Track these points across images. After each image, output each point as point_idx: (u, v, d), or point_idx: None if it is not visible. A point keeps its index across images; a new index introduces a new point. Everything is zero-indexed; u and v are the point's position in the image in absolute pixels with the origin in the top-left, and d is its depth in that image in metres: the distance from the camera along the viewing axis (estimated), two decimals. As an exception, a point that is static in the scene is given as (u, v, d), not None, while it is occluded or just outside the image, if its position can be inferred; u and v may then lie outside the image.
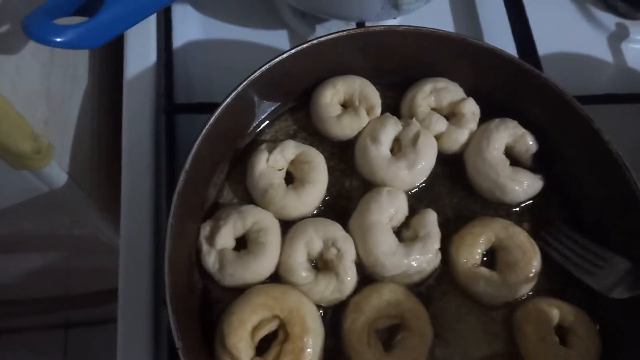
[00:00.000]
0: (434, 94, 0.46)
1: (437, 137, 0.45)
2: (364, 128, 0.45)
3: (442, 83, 0.46)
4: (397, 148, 0.44)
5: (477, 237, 0.41)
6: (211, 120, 0.38)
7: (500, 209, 0.44)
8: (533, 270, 0.40)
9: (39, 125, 0.36)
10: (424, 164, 0.43)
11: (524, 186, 0.43)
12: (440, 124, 0.45)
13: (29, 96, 0.35)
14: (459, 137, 0.45)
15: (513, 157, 0.45)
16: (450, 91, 0.46)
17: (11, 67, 0.33)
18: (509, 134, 0.45)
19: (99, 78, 0.50)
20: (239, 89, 0.39)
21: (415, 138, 0.43)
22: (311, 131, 0.46)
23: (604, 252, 0.40)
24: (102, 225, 0.53)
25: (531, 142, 0.45)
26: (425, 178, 0.44)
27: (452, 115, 0.46)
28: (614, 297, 0.38)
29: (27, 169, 0.37)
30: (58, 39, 0.27)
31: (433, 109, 0.46)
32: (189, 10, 0.55)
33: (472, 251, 0.41)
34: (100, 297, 0.96)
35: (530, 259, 0.40)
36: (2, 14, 0.32)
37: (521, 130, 0.45)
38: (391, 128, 0.44)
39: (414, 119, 0.44)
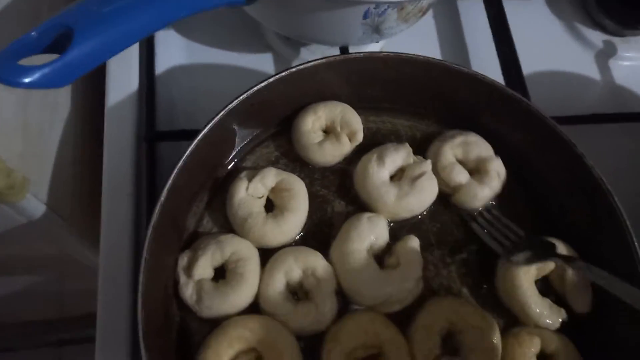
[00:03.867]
0: (463, 146, 0.45)
1: (456, 189, 0.44)
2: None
3: (474, 137, 0.46)
4: (397, 177, 0.44)
5: (430, 330, 0.39)
6: (187, 152, 0.38)
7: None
8: (495, 342, 0.39)
9: (13, 160, 0.36)
10: (413, 202, 0.42)
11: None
12: (461, 176, 0.44)
13: (4, 131, 0.35)
14: (478, 193, 0.44)
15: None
16: (480, 146, 0.45)
17: (-17, 104, 0.33)
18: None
19: (81, 105, 0.50)
20: (216, 119, 0.39)
21: (418, 176, 0.42)
22: (293, 157, 0.46)
23: (519, 230, 0.43)
24: (84, 250, 0.53)
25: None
26: (408, 216, 0.44)
27: (476, 171, 0.45)
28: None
29: (2, 203, 0.37)
30: (26, 80, 0.27)
31: (459, 161, 0.45)
32: (171, 35, 0.55)
33: (429, 346, 0.38)
34: (93, 319, 0.96)
35: (489, 339, 0.38)
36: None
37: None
38: (400, 156, 0.43)
39: (429, 160, 0.44)
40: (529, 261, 0.41)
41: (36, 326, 1.00)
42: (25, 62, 0.28)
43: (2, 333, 0.97)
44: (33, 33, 0.29)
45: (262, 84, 0.41)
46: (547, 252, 0.41)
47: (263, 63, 0.56)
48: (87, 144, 0.51)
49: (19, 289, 0.73)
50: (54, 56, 0.29)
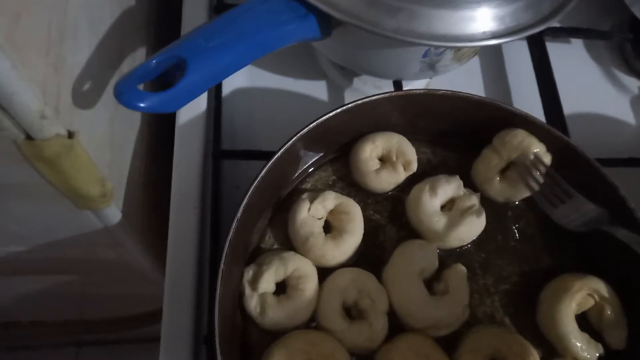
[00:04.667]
0: None
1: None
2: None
3: None
4: (448, 208, 0.46)
5: (475, 355, 0.41)
6: (262, 172, 0.41)
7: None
8: None
9: (105, 170, 0.39)
10: (462, 232, 0.45)
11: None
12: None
13: (100, 144, 0.38)
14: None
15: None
16: None
17: (89, 120, 0.36)
18: None
19: (148, 121, 0.53)
20: (288, 144, 0.42)
21: (468, 209, 0.45)
22: (348, 182, 0.49)
23: (572, 190, 0.44)
24: (142, 257, 0.56)
25: None
26: (457, 245, 0.46)
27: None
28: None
29: (90, 209, 0.40)
30: (142, 105, 0.30)
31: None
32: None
33: None
34: (115, 324, 0.98)
35: None
36: (85, 73, 0.35)
37: None
38: (452, 188, 0.46)
39: (479, 194, 0.47)
40: (582, 226, 0.43)
41: (57, 326, 1.02)
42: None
43: (22, 331, 1.00)
44: (153, 61, 0.32)
45: (331, 114, 0.44)
46: (602, 219, 0.43)
47: (316, 89, 0.60)
48: (153, 157, 0.54)
49: (44, 289, 0.76)
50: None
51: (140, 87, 0.32)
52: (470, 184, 0.49)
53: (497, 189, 0.48)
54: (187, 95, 0.32)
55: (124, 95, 0.30)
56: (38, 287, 0.75)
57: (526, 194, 0.48)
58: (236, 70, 0.35)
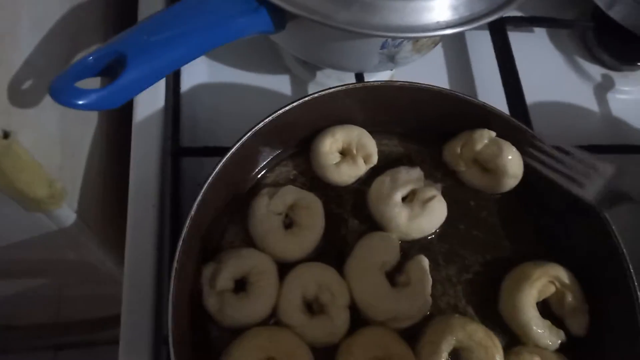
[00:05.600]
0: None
1: None
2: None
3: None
4: (410, 199, 0.46)
5: (437, 346, 0.41)
6: (216, 169, 0.40)
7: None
8: None
9: (54, 171, 0.38)
10: (424, 223, 0.45)
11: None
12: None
13: (47, 144, 0.37)
14: None
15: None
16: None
17: (32, 119, 0.35)
18: None
19: (107, 119, 0.52)
20: (243, 139, 0.42)
21: (429, 199, 0.45)
22: (310, 176, 0.48)
23: (590, 158, 0.42)
24: (104, 257, 0.55)
25: None
26: (419, 237, 0.46)
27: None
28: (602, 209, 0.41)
29: (40, 212, 0.39)
30: (81, 102, 0.30)
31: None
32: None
33: None
34: (91, 325, 0.97)
35: (493, 356, 0.41)
36: (26, 71, 0.34)
37: None
38: (413, 180, 0.46)
39: (439, 184, 0.47)
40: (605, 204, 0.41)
41: (33, 329, 1.00)
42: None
43: (2, 334, 0.98)
44: (90, 57, 0.31)
45: (287, 108, 0.43)
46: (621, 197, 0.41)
47: (280, 84, 0.59)
48: (112, 156, 0.53)
49: (18, 292, 0.75)
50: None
51: (94, 84, 0.31)
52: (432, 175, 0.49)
53: (478, 177, 0.49)
54: (129, 91, 0.32)
55: (59, 93, 0.29)
56: (9, 291, 0.74)
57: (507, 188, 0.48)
58: (183, 64, 0.35)
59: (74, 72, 0.31)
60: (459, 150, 0.48)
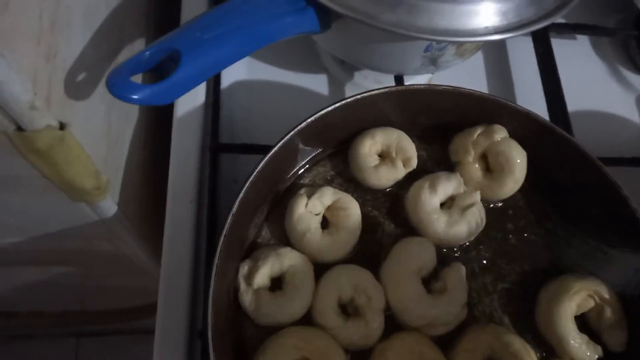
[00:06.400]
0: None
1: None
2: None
3: None
4: (448, 205, 0.46)
5: (472, 355, 0.40)
6: (259, 167, 0.40)
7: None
8: None
9: (100, 163, 0.38)
10: (462, 231, 0.44)
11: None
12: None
13: (95, 137, 0.38)
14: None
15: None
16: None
17: (83, 112, 0.35)
18: None
19: (146, 114, 0.53)
20: (286, 138, 0.42)
21: (468, 207, 0.44)
22: (347, 178, 0.48)
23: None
24: (138, 250, 0.55)
25: None
26: (456, 244, 0.46)
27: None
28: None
29: (85, 202, 0.40)
30: (135, 97, 0.30)
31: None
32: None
33: None
34: (115, 315, 0.98)
35: None
36: (79, 64, 0.35)
37: None
38: (452, 186, 0.45)
39: (478, 193, 0.46)
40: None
41: (58, 317, 1.02)
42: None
43: (22, 321, 1.00)
44: (147, 53, 0.31)
45: (329, 108, 0.43)
46: None
47: (317, 83, 0.59)
48: (151, 150, 0.54)
49: (48, 280, 0.76)
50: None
51: (137, 79, 0.31)
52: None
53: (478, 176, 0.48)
54: (181, 88, 0.32)
55: (116, 87, 0.30)
56: (37, 278, 0.75)
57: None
58: (232, 63, 0.35)
59: (130, 67, 0.31)
60: (475, 136, 0.47)
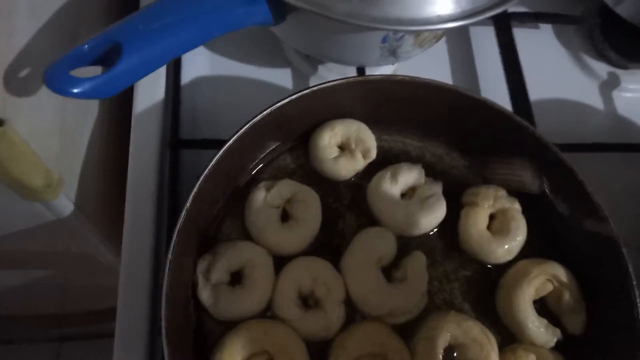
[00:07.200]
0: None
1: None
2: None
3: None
4: (409, 196, 0.46)
5: (432, 342, 0.40)
6: (212, 162, 0.40)
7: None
8: (493, 357, 0.40)
9: (51, 160, 0.38)
10: (422, 221, 0.44)
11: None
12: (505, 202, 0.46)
13: (44, 133, 0.37)
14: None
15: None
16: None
17: (28, 108, 0.35)
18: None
19: (107, 110, 0.52)
20: (240, 132, 0.42)
21: (429, 197, 0.45)
22: (308, 170, 0.48)
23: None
24: (102, 248, 0.55)
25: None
26: (417, 233, 0.46)
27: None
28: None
29: (37, 201, 0.39)
30: (76, 90, 0.30)
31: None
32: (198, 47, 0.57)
33: (431, 358, 0.40)
34: (95, 316, 0.97)
35: (488, 353, 0.40)
36: (23, 58, 0.34)
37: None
38: (413, 176, 0.46)
39: (440, 182, 0.46)
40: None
41: (37, 320, 1.01)
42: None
43: (3, 325, 0.99)
44: (85, 46, 0.31)
45: (286, 100, 0.43)
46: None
47: (281, 77, 0.59)
48: (112, 147, 0.53)
49: (22, 283, 0.75)
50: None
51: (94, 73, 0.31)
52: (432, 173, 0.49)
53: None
54: (125, 79, 0.32)
55: (54, 81, 0.29)
56: (11, 281, 0.74)
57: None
58: (182, 53, 0.35)
59: (69, 60, 0.31)
60: (500, 193, 0.47)
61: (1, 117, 0.30)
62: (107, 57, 0.33)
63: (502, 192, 0.47)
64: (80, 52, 0.31)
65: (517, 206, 0.46)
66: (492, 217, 0.47)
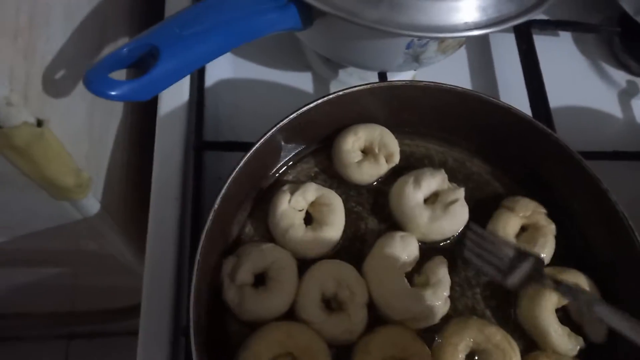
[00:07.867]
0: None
1: None
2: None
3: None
4: (431, 201, 0.46)
5: (455, 347, 0.41)
6: (240, 164, 0.40)
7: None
8: None
9: (81, 161, 0.38)
10: (445, 226, 0.45)
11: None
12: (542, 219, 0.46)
13: (76, 134, 0.38)
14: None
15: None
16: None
17: (63, 109, 0.35)
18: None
19: (131, 112, 0.53)
20: (268, 135, 0.42)
21: (451, 202, 0.45)
22: (331, 174, 0.48)
23: (517, 249, 0.43)
24: (123, 248, 0.55)
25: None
26: (439, 239, 0.46)
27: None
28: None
29: (67, 200, 0.40)
30: (113, 93, 0.30)
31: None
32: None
33: None
34: (105, 315, 0.98)
35: (510, 359, 0.40)
36: (58, 61, 0.35)
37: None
38: (436, 181, 0.46)
39: (462, 188, 0.46)
40: (523, 284, 0.42)
41: (47, 318, 1.02)
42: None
43: (11, 322, 0.99)
44: (124, 49, 0.32)
45: (311, 105, 0.44)
46: (537, 275, 0.42)
47: (302, 81, 0.59)
48: (136, 148, 0.54)
49: (35, 280, 0.76)
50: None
51: (121, 75, 0.31)
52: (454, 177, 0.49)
53: None
54: (161, 83, 0.32)
55: (93, 83, 0.30)
56: (25, 279, 0.75)
57: None
58: (213, 58, 0.35)
59: (108, 63, 0.31)
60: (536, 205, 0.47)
61: (40, 117, 0.31)
62: (142, 62, 0.33)
63: (542, 210, 0.47)
64: (120, 55, 0.32)
65: (552, 227, 0.46)
66: (524, 229, 0.47)
